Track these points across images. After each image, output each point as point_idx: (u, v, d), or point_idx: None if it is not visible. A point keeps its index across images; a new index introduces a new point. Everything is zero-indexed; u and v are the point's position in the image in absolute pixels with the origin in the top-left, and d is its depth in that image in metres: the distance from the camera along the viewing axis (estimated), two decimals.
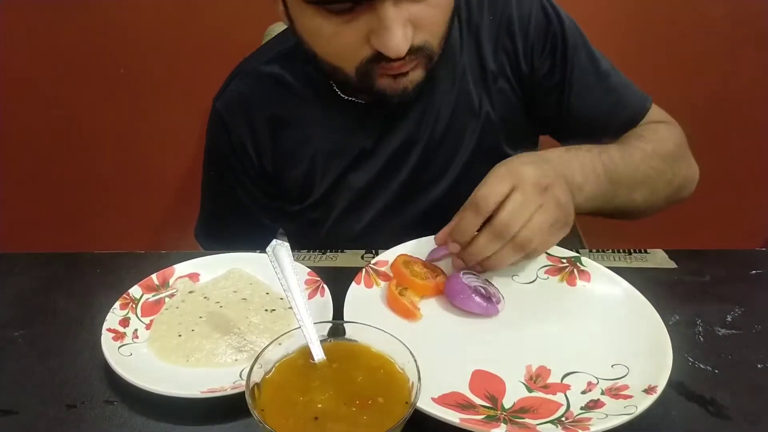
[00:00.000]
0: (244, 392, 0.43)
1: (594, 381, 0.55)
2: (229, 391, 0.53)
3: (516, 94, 0.85)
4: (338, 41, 0.68)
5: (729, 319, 0.65)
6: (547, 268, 0.72)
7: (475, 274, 0.68)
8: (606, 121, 0.83)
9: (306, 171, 0.87)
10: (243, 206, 0.92)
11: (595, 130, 0.82)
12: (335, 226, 0.89)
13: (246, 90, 0.86)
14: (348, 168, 0.86)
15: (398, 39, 0.64)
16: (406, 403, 0.44)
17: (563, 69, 0.82)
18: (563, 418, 0.51)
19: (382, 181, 0.87)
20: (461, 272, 0.67)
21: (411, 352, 0.46)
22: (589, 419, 0.50)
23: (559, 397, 0.54)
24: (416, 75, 0.72)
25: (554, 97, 0.84)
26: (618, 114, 0.84)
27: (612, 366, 0.57)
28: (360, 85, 0.72)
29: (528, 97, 0.86)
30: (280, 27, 1.26)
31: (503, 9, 0.82)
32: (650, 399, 0.50)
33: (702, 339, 0.62)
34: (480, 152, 0.85)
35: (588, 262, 0.71)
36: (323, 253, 0.79)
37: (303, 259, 0.77)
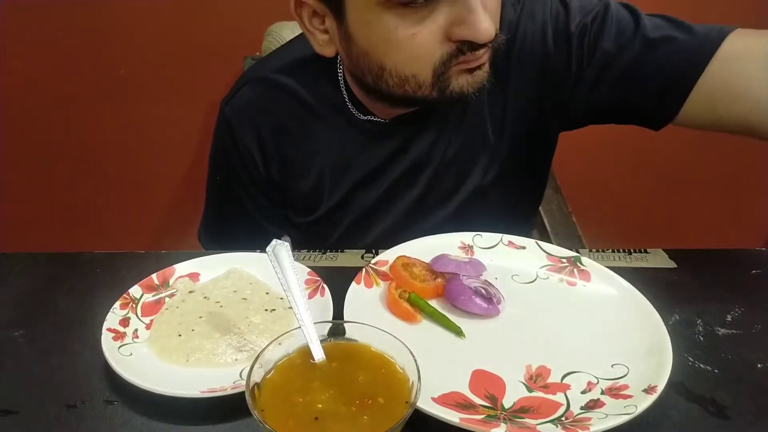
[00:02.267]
0: (244, 392, 0.43)
1: (594, 381, 0.55)
2: (230, 391, 0.53)
3: (534, 122, 0.82)
4: (416, 42, 0.66)
5: (729, 318, 0.65)
6: (547, 267, 0.72)
7: (475, 276, 0.68)
8: (671, 74, 0.72)
9: (313, 186, 0.86)
10: (247, 212, 0.92)
11: (664, 87, 0.73)
12: (340, 242, 0.88)
13: (255, 98, 0.85)
14: (356, 186, 0.85)
15: (487, 20, 0.63)
16: (406, 402, 0.44)
17: (603, 55, 0.75)
18: (563, 418, 0.51)
19: (389, 201, 0.86)
20: (461, 274, 0.67)
21: (411, 352, 0.46)
22: (589, 419, 0.50)
23: (559, 397, 0.54)
24: (486, 68, 0.70)
25: (612, 85, 0.76)
26: (679, 61, 0.71)
27: (612, 366, 0.57)
28: (435, 88, 0.69)
29: (567, 107, 0.81)
30: (280, 27, 1.26)
31: (516, 33, 0.79)
32: (650, 399, 0.50)
33: (702, 339, 0.62)
34: (489, 179, 0.85)
35: (588, 262, 0.71)
36: (323, 253, 0.79)
37: (303, 259, 0.77)
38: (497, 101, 0.82)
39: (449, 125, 0.82)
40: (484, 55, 0.68)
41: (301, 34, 0.87)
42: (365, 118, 0.82)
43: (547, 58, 0.79)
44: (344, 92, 0.82)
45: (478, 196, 0.85)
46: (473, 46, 0.65)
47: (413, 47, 0.66)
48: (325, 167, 0.85)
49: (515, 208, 0.92)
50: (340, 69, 0.82)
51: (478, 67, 0.69)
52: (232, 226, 0.95)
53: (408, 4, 0.63)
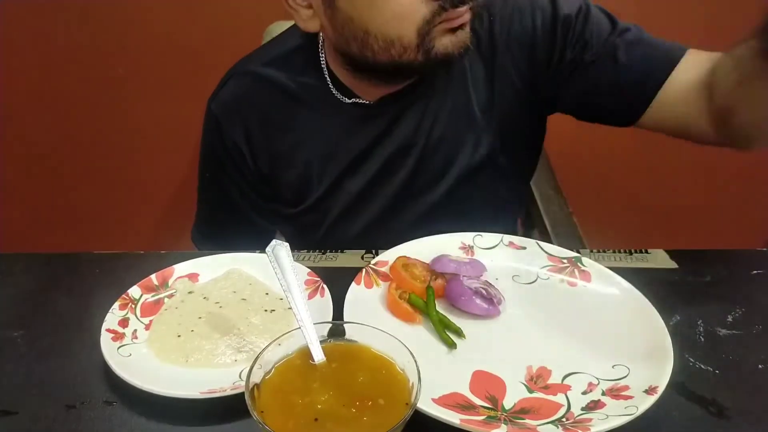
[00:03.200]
0: (243, 393, 0.43)
1: (595, 381, 0.55)
2: (229, 392, 0.53)
3: (521, 101, 0.83)
4: (399, 1, 0.67)
5: (730, 319, 0.65)
6: (548, 268, 0.72)
7: (475, 276, 0.67)
8: (641, 75, 0.76)
9: (301, 175, 0.87)
10: (238, 208, 0.92)
11: (634, 86, 0.76)
12: (331, 229, 0.89)
13: (240, 92, 0.86)
14: (344, 172, 0.86)
15: None
16: (407, 404, 0.44)
17: (584, 48, 0.78)
18: (564, 419, 0.51)
19: (378, 185, 0.86)
20: (462, 275, 0.66)
21: (411, 353, 0.46)
22: (590, 420, 0.50)
23: (559, 398, 0.54)
24: (468, 29, 0.72)
25: (587, 77, 0.79)
26: (651, 63, 0.75)
27: (613, 366, 0.57)
28: (419, 50, 0.71)
29: (548, 93, 0.82)
30: (280, 27, 1.26)
31: (501, 12, 0.81)
32: (651, 399, 0.50)
33: (703, 339, 0.62)
34: (478, 159, 0.85)
35: (589, 263, 0.71)
36: (323, 254, 0.78)
37: (303, 260, 0.77)
38: (483, 79, 0.83)
39: (433, 104, 0.83)
40: (465, 13, 0.70)
41: (283, 31, 0.88)
42: (350, 101, 0.83)
43: (534, 44, 0.80)
44: (327, 78, 0.83)
45: (468, 176, 0.85)
46: (454, 2, 0.67)
47: (396, 6, 0.68)
48: (312, 155, 0.86)
49: (506, 186, 0.92)
50: (321, 55, 0.83)
51: (461, 27, 0.71)
52: (225, 223, 0.95)
53: None
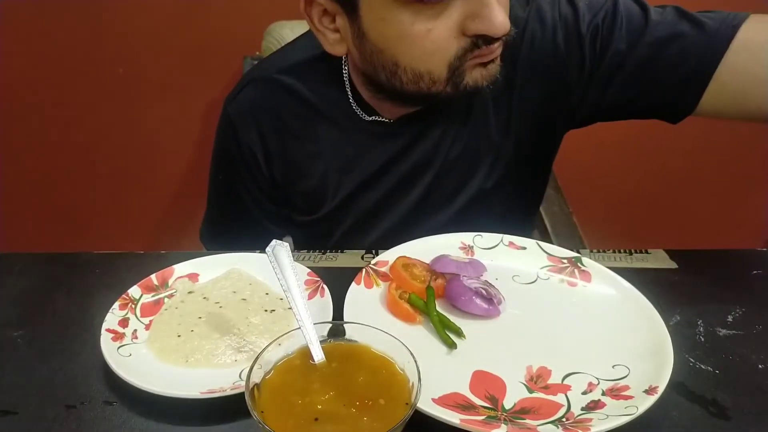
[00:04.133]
0: (243, 393, 0.43)
1: (595, 381, 0.55)
2: (229, 392, 0.53)
3: (540, 124, 0.82)
4: (431, 38, 0.66)
5: (730, 319, 0.65)
6: (548, 268, 0.72)
7: (475, 276, 0.68)
8: (687, 67, 0.71)
9: (316, 186, 0.86)
10: (249, 212, 0.92)
11: (681, 81, 0.72)
12: (341, 242, 0.88)
13: (258, 97, 0.85)
14: (359, 187, 0.85)
15: (502, 14, 0.63)
16: (407, 404, 0.44)
17: (616, 53, 0.74)
18: (564, 419, 0.51)
19: (392, 201, 0.86)
20: (462, 274, 0.66)
21: (411, 353, 0.46)
22: (590, 420, 0.50)
23: (559, 398, 0.54)
24: (499, 61, 0.71)
25: (625, 80, 0.75)
26: (695, 52, 0.70)
27: (613, 366, 0.57)
28: (449, 84, 0.69)
29: (584, 104, 0.80)
30: (280, 27, 1.26)
31: (524, 32, 0.78)
32: (651, 400, 0.50)
33: (703, 339, 0.62)
34: (492, 181, 0.84)
35: (589, 263, 0.71)
36: (323, 253, 0.78)
37: (303, 259, 0.77)
38: (502, 101, 0.81)
39: (453, 125, 0.82)
40: (498, 49, 0.68)
41: (305, 34, 0.86)
42: (370, 118, 0.82)
43: (557, 61, 0.78)
44: (349, 93, 0.82)
45: (481, 198, 0.85)
46: (488, 39, 0.66)
47: (428, 43, 0.66)
48: (328, 168, 0.85)
49: (517, 209, 0.91)
50: (345, 69, 0.81)
51: (492, 61, 0.69)
52: (234, 225, 0.95)
53: (423, 0, 0.63)
